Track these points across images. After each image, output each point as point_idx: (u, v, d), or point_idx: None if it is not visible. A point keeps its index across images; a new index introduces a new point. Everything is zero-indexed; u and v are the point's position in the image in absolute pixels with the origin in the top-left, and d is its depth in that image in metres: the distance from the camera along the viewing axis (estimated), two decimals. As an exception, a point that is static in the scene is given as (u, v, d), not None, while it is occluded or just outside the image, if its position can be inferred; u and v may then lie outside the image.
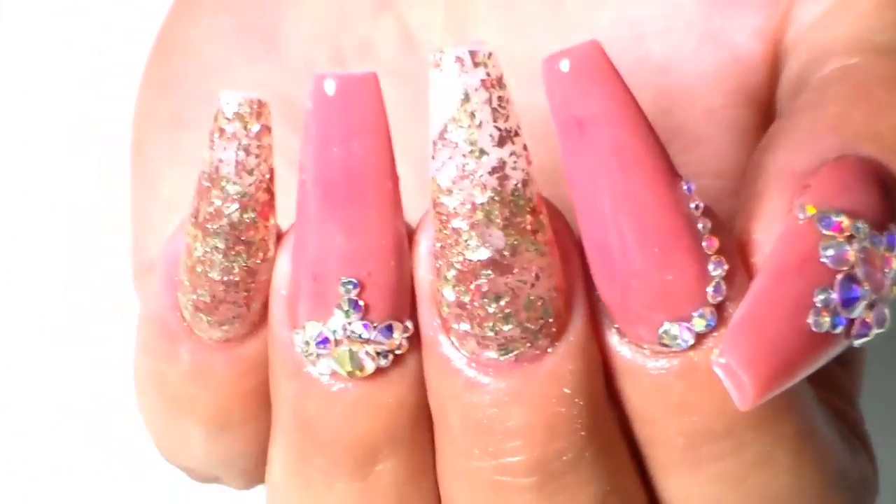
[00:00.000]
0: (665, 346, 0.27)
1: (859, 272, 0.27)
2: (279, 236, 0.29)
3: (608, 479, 0.29)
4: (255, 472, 0.32)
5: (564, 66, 0.26)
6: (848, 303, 0.26)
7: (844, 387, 0.33)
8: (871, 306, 0.27)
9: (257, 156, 0.27)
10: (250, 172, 0.27)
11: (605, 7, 0.34)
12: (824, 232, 0.27)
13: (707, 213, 0.27)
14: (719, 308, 0.27)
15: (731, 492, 0.29)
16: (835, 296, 0.26)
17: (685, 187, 0.27)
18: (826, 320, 0.26)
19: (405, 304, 0.28)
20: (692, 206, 0.27)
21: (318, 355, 0.28)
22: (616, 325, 0.28)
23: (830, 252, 0.27)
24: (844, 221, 0.27)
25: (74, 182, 0.48)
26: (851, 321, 0.27)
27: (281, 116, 0.35)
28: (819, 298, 0.26)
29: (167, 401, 0.31)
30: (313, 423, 0.29)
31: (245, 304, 0.29)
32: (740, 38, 0.33)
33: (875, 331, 0.27)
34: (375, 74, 0.27)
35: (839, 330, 0.26)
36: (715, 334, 0.27)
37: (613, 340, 0.28)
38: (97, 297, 0.46)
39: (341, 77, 0.27)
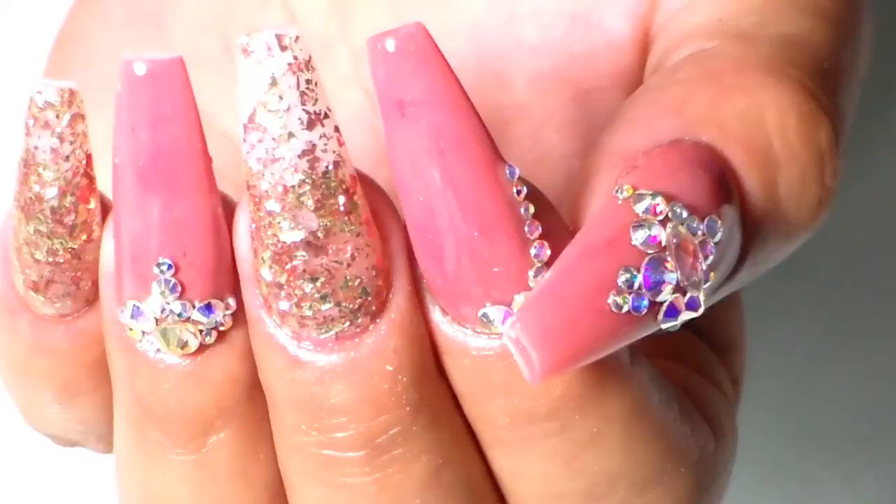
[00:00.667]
0: (485, 327, 0.27)
1: (669, 256, 0.26)
2: (105, 214, 0.29)
3: (440, 452, 0.29)
4: (111, 437, 0.32)
5: (389, 45, 0.26)
6: (653, 285, 0.26)
7: (702, 360, 0.33)
8: (682, 292, 0.26)
9: (72, 143, 0.28)
10: (66, 159, 0.28)
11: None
12: (638, 213, 0.26)
13: (532, 196, 0.27)
14: None
15: (561, 469, 0.29)
16: (639, 277, 0.26)
17: (507, 171, 0.27)
18: (627, 301, 0.26)
19: (225, 282, 0.28)
20: (515, 190, 0.27)
21: (143, 333, 0.28)
22: (438, 304, 0.28)
23: (640, 233, 0.26)
24: (661, 204, 0.26)
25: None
26: (658, 304, 0.26)
27: None
28: (622, 279, 0.26)
29: (17, 371, 0.31)
30: (145, 397, 0.29)
31: (74, 283, 0.29)
32: (610, 21, 0.33)
33: (684, 315, 0.26)
34: (181, 59, 0.27)
35: (642, 312, 0.26)
36: None
37: (436, 317, 0.28)
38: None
39: (149, 61, 0.27)
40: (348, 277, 0.27)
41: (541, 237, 0.27)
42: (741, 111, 0.28)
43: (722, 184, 0.27)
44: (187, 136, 0.27)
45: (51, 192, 0.28)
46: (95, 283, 0.29)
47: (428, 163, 0.26)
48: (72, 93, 0.28)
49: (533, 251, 0.27)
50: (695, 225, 0.26)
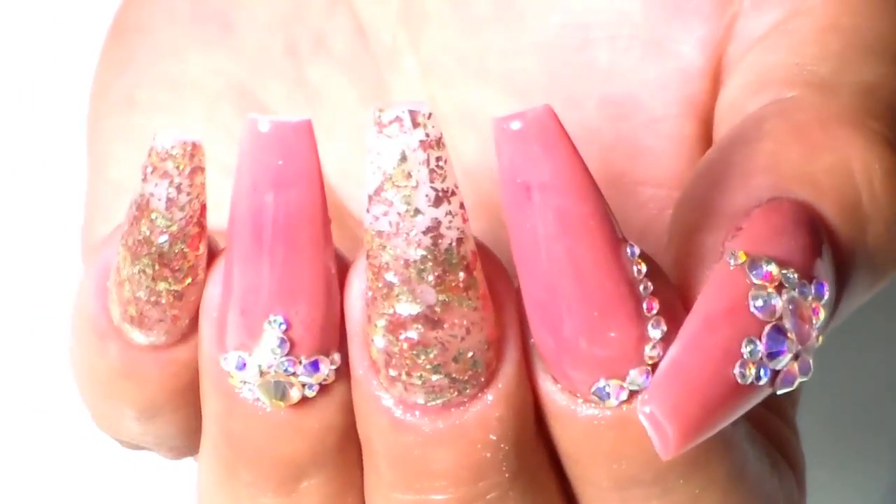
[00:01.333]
0: (597, 401, 0.28)
1: (787, 324, 0.26)
2: (212, 256, 0.29)
3: None
4: (185, 449, 0.32)
5: (515, 126, 0.26)
6: (774, 355, 0.26)
7: (781, 403, 0.33)
8: (795, 357, 0.27)
9: (188, 193, 0.28)
10: (181, 209, 0.28)
11: (555, 10, 0.34)
12: (754, 281, 0.27)
13: (650, 274, 0.27)
14: (655, 367, 0.27)
15: None
16: (761, 347, 0.26)
17: (629, 251, 0.27)
18: (751, 372, 0.26)
19: (333, 339, 0.28)
20: (635, 269, 0.27)
21: (244, 381, 0.28)
22: (550, 374, 0.28)
23: (759, 302, 0.26)
24: (774, 270, 0.27)
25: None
26: (776, 372, 0.27)
27: (234, 105, 0.36)
28: (746, 350, 0.26)
29: (99, 388, 0.31)
30: (240, 440, 0.29)
31: (172, 321, 0.29)
32: (684, 49, 0.33)
33: (800, 379, 0.27)
34: (310, 122, 0.27)
35: (763, 381, 0.26)
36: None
37: (546, 386, 0.28)
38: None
39: (275, 123, 0.27)
40: (461, 351, 0.27)
41: (658, 313, 0.27)
42: (830, 167, 0.29)
43: (819, 242, 0.28)
44: (310, 199, 0.27)
45: (161, 239, 0.28)
46: (193, 320, 0.29)
47: (551, 245, 0.26)
48: (195, 146, 0.28)
49: (650, 327, 0.27)
50: (806, 289, 0.27)
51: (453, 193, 0.26)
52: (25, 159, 0.49)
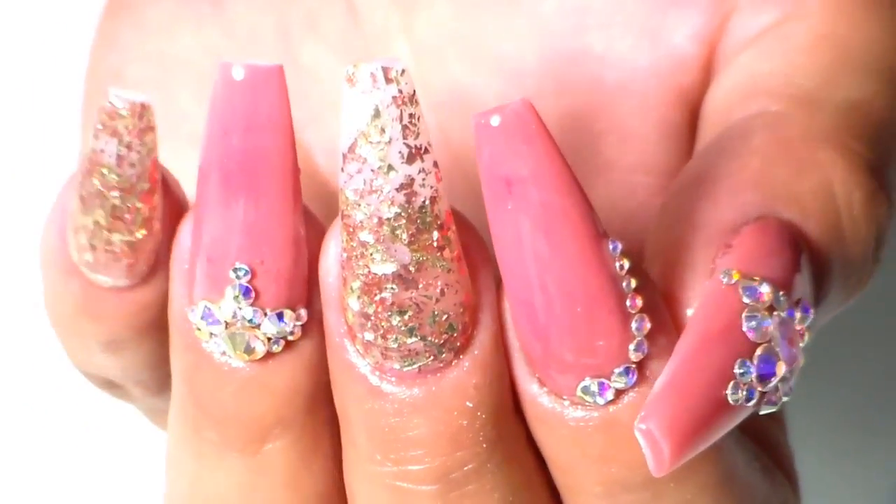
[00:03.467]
0: (584, 401, 0.28)
1: (778, 348, 0.27)
2: (169, 210, 0.29)
3: (511, 489, 0.29)
4: (153, 386, 0.32)
5: (495, 122, 0.26)
6: (764, 378, 0.26)
7: None
8: (783, 379, 0.27)
9: (139, 152, 0.28)
10: (132, 165, 0.28)
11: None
12: (747, 301, 0.27)
13: (633, 271, 0.27)
14: (640, 365, 0.27)
15: None
16: (753, 370, 0.26)
17: (611, 247, 0.27)
18: (742, 394, 0.26)
19: (299, 293, 0.28)
20: (618, 265, 0.27)
21: (211, 334, 0.28)
22: (535, 375, 0.28)
23: (753, 324, 0.27)
24: (767, 292, 0.27)
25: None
26: (764, 394, 0.27)
27: None
28: (739, 371, 0.26)
29: (65, 321, 0.31)
30: (205, 398, 0.29)
31: (128, 268, 0.29)
32: (677, 39, 0.33)
33: (783, 400, 0.27)
34: (281, 67, 0.27)
35: (752, 403, 0.26)
36: (634, 390, 0.28)
37: (532, 389, 0.28)
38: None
39: (248, 67, 0.27)
40: (436, 312, 0.27)
41: (641, 310, 0.27)
42: (815, 188, 0.29)
43: (806, 263, 0.28)
44: (280, 144, 0.27)
45: (113, 194, 0.28)
46: (150, 267, 0.29)
47: (533, 239, 0.26)
48: (143, 107, 0.28)
49: (633, 325, 0.27)
50: (793, 311, 0.27)
51: (426, 151, 0.26)
52: (25, 159, 0.49)
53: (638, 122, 0.34)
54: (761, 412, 0.27)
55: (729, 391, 0.26)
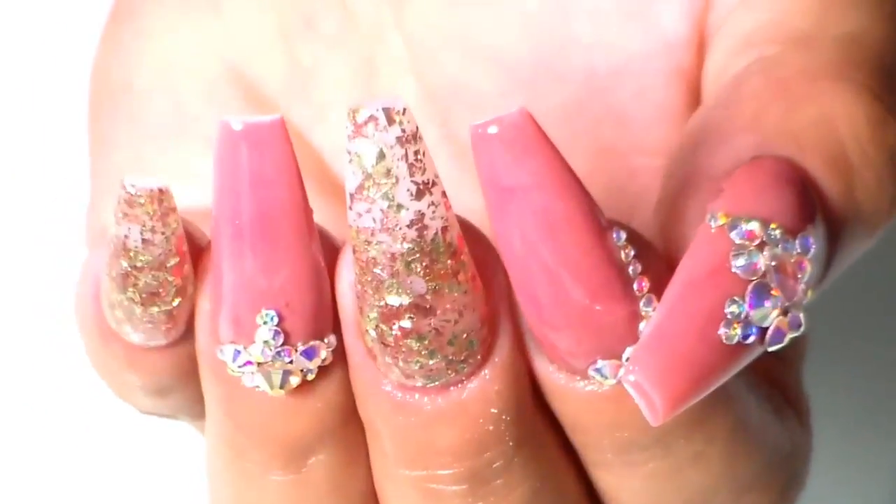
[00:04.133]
0: (596, 380, 0.28)
1: (771, 280, 0.26)
2: (198, 262, 0.29)
3: (539, 478, 0.29)
4: (202, 415, 0.32)
5: (493, 132, 0.26)
6: (759, 313, 0.26)
7: (785, 352, 0.33)
8: (784, 312, 0.27)
9: (163, 233, 0.28)
10: (158, 245, 0.28)
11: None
12: (735, 240, 0.26)
13: (639, 255, 0.27)
14: None
15: (664, 484, 0.29)
16: (745, 306, 0.26)
17: (615, 237, 0.27)
18: (736, 332, 0.26)
19: (326, 323, 0.28)
20: (623, 254, 0.27)
21: (242, 372, 0.28)
22: (548, 358, 0.28)
23: (741, 262, 0.26)
24: (756, 228, 0.26)
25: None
26: (764, 329, 0.26)
27: (231, 86, 0.36)
28: (730, 310, 0.26)
29: (109, 374, 0.31)
30: (244, 423, 0.29)
31: (167, 332, 0.29)
32: (666, 20, 0.33)
33: (790, 335, 0.27)
34: (282, 119, 0.27)
35: (751, 340, 0.26)
36: None
37: (545, 367, 0.28)
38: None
39: (248, 124, 0.27)
40: (455, 333, 0.27)
41: (649, 291, 0.27)
42: (814, 121, 0.29)
43: (807, 196, 0.28)
44: (289, 195, 0.27)
45: (142, 273, 0.28)
46: (189, 328, 0.29)
47: (538, 243, 0.27)
48: (161, 192, 0.27)
49: (642, 303, 0.27)
50: (790, 244, 0.27)
51: (434, 184, 0.26)
52: (25, 159, 0.49)
53: (634, 105, 0.34)
54: (769, 349, 0.27)
55: (721, 330, 0.26)
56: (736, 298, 0.26)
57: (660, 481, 0.29)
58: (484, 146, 0.26)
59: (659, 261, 0.28)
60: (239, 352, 0.28)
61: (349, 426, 0.30)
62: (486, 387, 0.28)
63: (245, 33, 0.36)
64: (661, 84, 0.33)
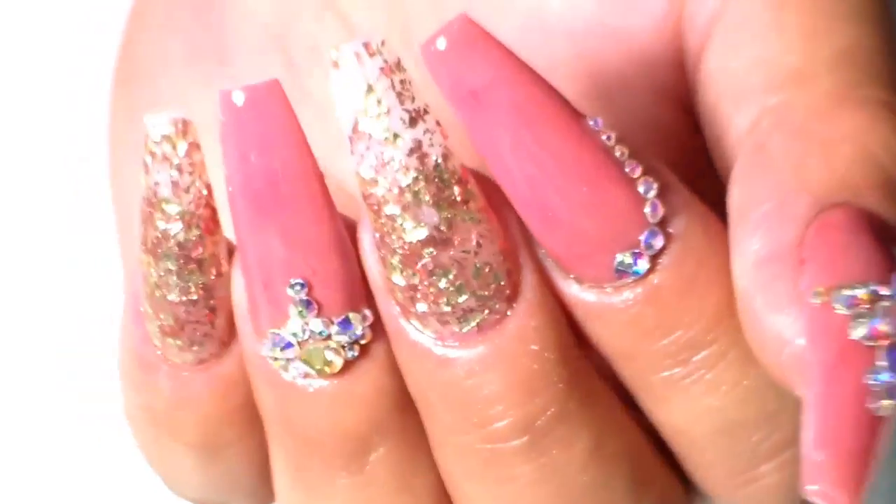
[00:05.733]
0: (623, 277, 0.28)
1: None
2: (231, 252, 0.30)
3: (599, 424, 0.29)
4: (260, 492, 0.33)
5: (441, 44, 0.27)
6: None
7: None
8: None
9: (191, 173, 0.28)
10: (187, 190, 0.28)
11: (509, 14, 0.33)
12: (845, 311, 0.25)
13: (621, 140, 0.28)
14: (662, 226, 0.28)
15: (732, 391, 0.29)
16: (887, 375, 0.25)
17: (592, 123, 0.28)
18: (889, 403, 0.25)
19: (359, 294, 0.29)
20: (604, 137, 0.28)
21: (288, 360, 0.29)
22: (571, 275, 0.28)
23: (862, 331, 0.25)
24: (859, 292, 0.26)
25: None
26: None
27: None
28: (874, 383, 0.25)
29: (158, 431, 0.31)
30: (300, 426, 0.29)
31: (209, 322, 0.29)
32: (642, 36, 0.32)
33: None
34: (278, 81, 0.28)
35: None
36: (666, 253, 0.28)
37: (573, 290, 0.28)
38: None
39: (247, 89, 0.27)
40: (478, 265, 0.28)
41: (643, 174, 0.28)
42: (852, 157, 0.28)
43: (883, 236, 0.27)
44: (298, 155, 0.28)
45: (176, 227, 0.28)
46: (229, 322, 0.30)
47: (517, 137, 0.27)
48: (185, 123, 0.28)
49: (641, 188, 0.28)
50: (890, 293, 0.26)
51: (426, 112, 0.27)
52: (25, 158, 0.48)
53: (626, 127, 0.32)
54: None
55: (873, 405, 0.25)
56: (874, 367, 0.25)
57: (727, 392, 0.29)
58: (437, 60, 0.27)
59: (647, 153, 0.28)
60: (278, 335, 0.28)
61: (405, 414, 0.29)
62: (521, 324, 0.28)
63: (254, 77, 0.34)
64: (650, 102, 0.33)
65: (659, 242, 0.28)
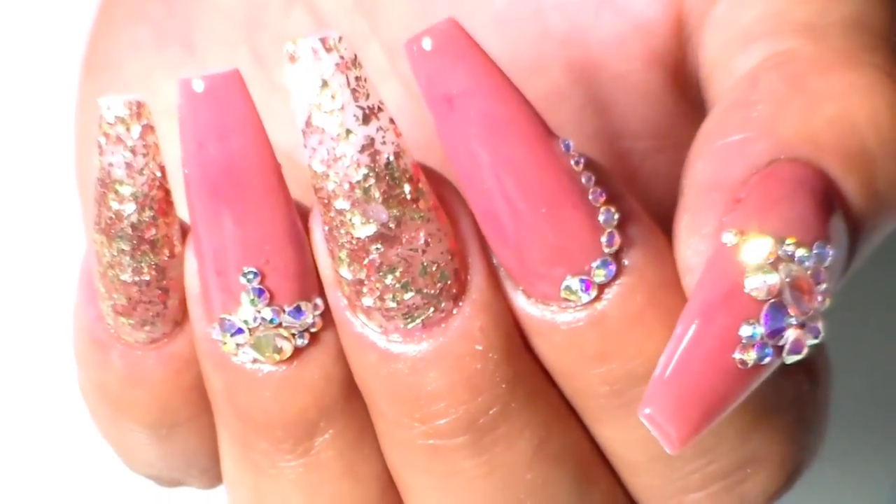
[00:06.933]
0: (569, 301, 0.28)
1: (786, 298, 0.26)
2: (185, 232, 0.29)
3: (542, 424, 0.29)
4: (213, 470, 0.33)
5: (426, 45, 0.27)
6: (775, 333, 0.26)
7: None
8: (801, 326, 0.26)
9: (144, 155, 0.28)
10: (140, 172, 0.28)
11: None
12: (749, 261, 0.26)
13: (589, 166, 0.28)
14: (616, 256, 0.28)
15: None
16: (761, 329, 0.25)
17: (563, 145, 0.27)
18: (752, 356, 0.25)
19: (311, 284, 0.29)
20: (573, 161, 0.27)
21: (238, 345, 0.29)
22: (520, 287, 0.28)
23: (755, 283, 0.26)
24: (770, 247, 0.26)
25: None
26: (781, 346, 0.26)
27: None
28: (745, 334, 0.25)
29: (112, 409, 0.31)
30: (247, 409, 0.29)
31: (162, 302, 0.30)
32: (637, 5, 0.33)
33: (809, 345, 0.26)
34: (238, 71, 0.27)
35: (768, 360, 0.26)
36: (617, 282, 0.28)
37: (520, 301, 0.28)
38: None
39: (206, 77, 0.27)
40: (425, 263, 0.28)
41: (606, 202, 0.27)
42: (832, 119, 0.28)
43: (825, 199, 0.27)
44: (254, 145, 0.28)
45: (130, 208, 0.28)
46: (182, 302, 0.30)
47: (483, 149, 0.27)
48: (139, 105, 0.28)
49: (601, 217, 0.28)
50: (805, 256, 0.26)
51: (380, 109, 0.27)
52: (24, 159, 0.49)
53: (614, 90, 0.33)
54: (788, 361, 0.26)
55: (737, 356, 0.25)
56: (751, 321, 0.25)
57: None
58: (419, 59, 0.27)
59: (613, 177, 0.28)
60: (228, 320, 0.28)
61: (352, 402, 0.30)
62: (466, 323, 0.28)
63: (220, 67, 0.36)
64: (640, 68, 0.33)
65: (610, 272, 0.28)
